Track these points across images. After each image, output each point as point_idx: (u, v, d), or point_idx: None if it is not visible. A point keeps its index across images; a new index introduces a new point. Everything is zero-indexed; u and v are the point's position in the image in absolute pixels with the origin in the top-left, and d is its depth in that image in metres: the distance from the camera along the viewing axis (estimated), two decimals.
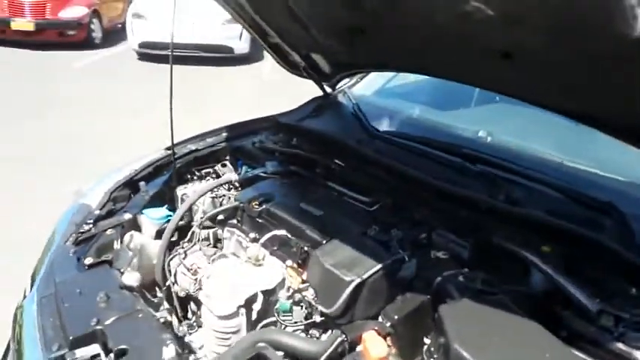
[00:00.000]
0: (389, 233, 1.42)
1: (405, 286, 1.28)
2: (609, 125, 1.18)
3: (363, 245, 1.34)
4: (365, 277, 1.23)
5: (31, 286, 1.44)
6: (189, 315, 1.57)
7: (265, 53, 9.35)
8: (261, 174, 1.83)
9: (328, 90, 2.32)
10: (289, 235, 1.46)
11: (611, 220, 1.30)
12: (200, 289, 1.49)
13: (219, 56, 8.59)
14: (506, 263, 1.27)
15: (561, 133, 1.74)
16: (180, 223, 1.65)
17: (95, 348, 1.13)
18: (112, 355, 1.10)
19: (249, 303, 1.40)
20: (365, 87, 2.37)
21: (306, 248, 1.40)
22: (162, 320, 1.25)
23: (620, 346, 1.00)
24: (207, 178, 1.98)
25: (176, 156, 1.96)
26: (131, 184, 1.80)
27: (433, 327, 1.14)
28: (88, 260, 1.41)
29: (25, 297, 1.42)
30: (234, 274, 1.46)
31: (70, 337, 1.13)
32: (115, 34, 10.55)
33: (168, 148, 2.02)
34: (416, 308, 1.19)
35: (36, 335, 1.20)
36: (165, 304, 1.43)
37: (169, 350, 1.10)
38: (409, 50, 1.46)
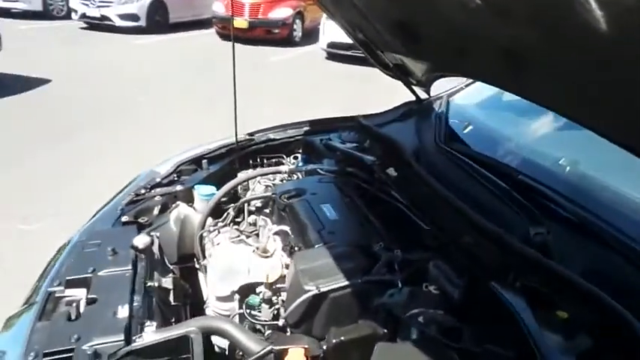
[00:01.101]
0: (391, 252, 1.27)
1: (375, 312, 1.13)
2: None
3: (347, 258, 1.22)
4: (324, 289, 1.12)
5: None
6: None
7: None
8: (313, 170, 1.81)
9: (424, 95, 2.16)
10: (290, 233, 1.41)
11: None
12: None
13: None
14: (497, 315, 1.03)
15: None
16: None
17: (82, 292, 1.27)
18: (84, 300, 1.22)
19: (243, 290, 1.41)
20: (467, 96, 2.13)
21: (297, 248, 1.34)
22: (147, 284, 1.33)
23: None
24: (262, 165, 2.02)
25: (251, 143, 2.06)
26: (198, 161, 1.94)
27: None
28: (124, 218, 1.58)
29: None
30: (237, 260, 1.48)
31: (67, 278, 1.28)
32: (314, 34, 11.42)
33: (249, 134, 2.13)
34: (363, 337, 1.04)
35: (53, 270, 1.40)
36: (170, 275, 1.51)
37: (123, 311, 1.17)
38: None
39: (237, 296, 1.42)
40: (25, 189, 3.87)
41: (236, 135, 1.91)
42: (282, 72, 8.37)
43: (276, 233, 1.48)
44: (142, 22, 11.10)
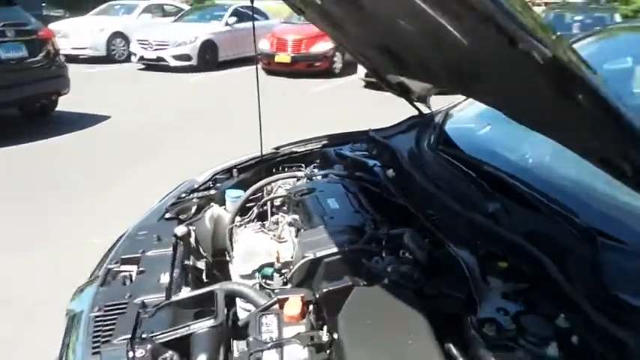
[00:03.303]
0: (378, 230, 1.55)
1: (359, 273, 1.41)
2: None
3: (341, 233, 1.51)
4: (319, 255, 1.42)
5: None
6: None
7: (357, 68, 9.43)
8: (325, 174, 2.12)
9: (426, 110, 2.44)
10: (299, 220, 1.72)
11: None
12: None
13: None
14: (453, 270, 1.29)
15: None
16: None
17: (134, 268, 1.63)
18: (135, 272, 1.57)
19: (262, 269, 1.72)
20: (463, 109, 2.39)
21: (303, 230, 1.65)
22: (184, 262, 1.67)
23: None
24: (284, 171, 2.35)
25: (276, 155, 2.40)
26: (231, 170, 2.30)
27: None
28: (168, 215, 1.94)
29: None
30: (257, 245, 1.79)
31: (122, 257, 1.65)
32: (353, 66, 11.90)
33: (275, 148, 2.48)
34: (346, 287, 1.32)
35: (112, 253, 1.77)
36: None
37: (165, 277, 1.51)
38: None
39: (257, 274, 1.73)
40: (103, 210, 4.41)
41: (261, 147, 2.26)
42: (322, 101, 8.85)
43: (289, 223, 1.79)
44: (194, 62, 12.03)
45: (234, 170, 2.28)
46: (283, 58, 11.47)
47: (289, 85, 10.36)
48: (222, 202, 2.15)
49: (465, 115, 2.32)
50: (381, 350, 1.07)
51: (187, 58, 11.99)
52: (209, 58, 12.42)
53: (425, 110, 2.46)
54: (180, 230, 1.81)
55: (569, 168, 1.52)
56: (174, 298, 1.42)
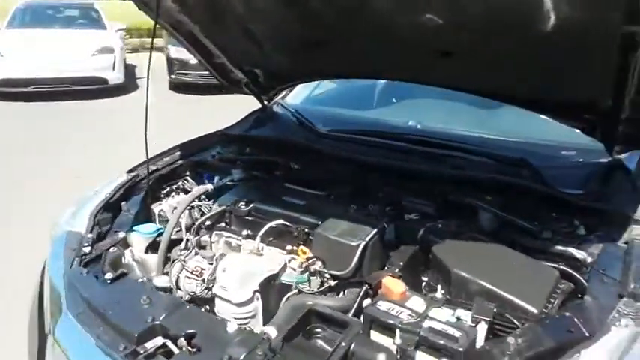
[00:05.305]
0: (367, 209, 1.74)
1: (393, 245, 1.60)
2: (523, 100, 1.63)
3: (354, 219, 1.63)
4: (367, 239, 1.52)
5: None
6: None
7: (139, 82, 9.05)
8: (231, 182, 2.03)
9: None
10: (286, 224, 1.69)
11: (527, 170, 1.76)
12: (208, 288, 1.65)
13: (94, 88, 8.18)
14: (461, 212, 1.67)
15: (470, 114, 2.21)
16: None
17: (159, 339, 1.26)
18: (181, 339, 1.24)
19: (262, 286, 1.61)
20: (294, 97, 2.67)
21: (306, 230, 1.65)
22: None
23: (559, 247, 1.43)
24: (173, 194, 2.10)
25: (140, 177, 2.07)
26: (110, 207, 1.86)
27: (430, 265, 1.48)
28: (109, 275, 1.49)
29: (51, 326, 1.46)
30: (243, 265, 1.64)
31: (135, 334, 1.24)
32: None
33: (129, 171, 2.11)
34: (411, 255, 1.51)
35: (90, 346, 1.28)
36: None
37: (232, 324, 1.28)
38: (361, 58, 1.79)
39: (257, 295, 1.61)
40: None
41: (148, 174, 1.93)
42: None
43: (267, 231, 1.70)
44: None
45: (123, 204, 1.88)
46: None
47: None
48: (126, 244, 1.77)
49: (298, 101, 2.62)
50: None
51: None
52: None
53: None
54: (165, 281, 1.48)
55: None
56: None
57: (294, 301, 1.43)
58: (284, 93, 2.67)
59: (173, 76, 8.71)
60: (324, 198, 1.83)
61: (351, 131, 2.16)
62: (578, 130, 1.76)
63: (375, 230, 1.56)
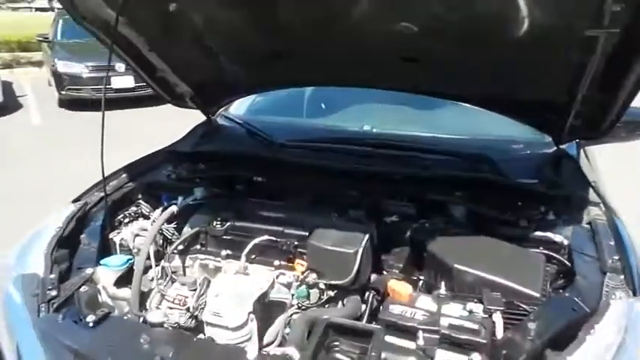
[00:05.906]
0: (348, 214, 1.74)
1: (381, 247, 1.62)
2: (486, 100, 1.74)
3: (341, 227, 1.62)
4: (363, 245, 1.52)
5: None
6: None
7: (24, 101, 8.18)
8: (194, 201, 1.91)
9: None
10: (272, 238, 1.63)
11: (487, 165, 1.89)
12: (193, 317, 1.55)
13: None
14: (440, 210, 1.74)
15: (416, 116, 2.32)
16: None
17: None
18: None
19: (255, 307, 1.54)
20: (236, 108, 2.59)
21: (296, 243, 1.61)
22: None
23: (538, 233, 1.55)
24: (130, 220, 1.93)
25: (90, 205, 1.88)
26: (65, 242, 1.67)
27: (425, 264, 1.52)
28: (91, 317, 1.33)
29: None
30: (234, 287, 1.56)
31: None
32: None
33: (74, 201, 1.91)
34: (407, 256, 1.55)
35: None
36: None
37: (252, 350, 1.21)
38: (326, 67, 1.79)
39: (252, 316, 1.54)
40: None
41: (106, 202, 1.75)
42: None
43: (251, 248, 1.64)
44: None
45: (82, 237, 1.69)
46: None
47: None
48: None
49: (243, 111, 2.56)
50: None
51: None
52: None
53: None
54: (160, 316, 1.36)
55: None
56: None
57: (305, 317, 1.40)
58: (226, 105, 2.59)
59: (63, 92, 7.97)
60: (303, 208, 1.80)
61: (311, 139, 2.15)
62: (524, 125, 1.93)
63: (368, 235, 1.57)
